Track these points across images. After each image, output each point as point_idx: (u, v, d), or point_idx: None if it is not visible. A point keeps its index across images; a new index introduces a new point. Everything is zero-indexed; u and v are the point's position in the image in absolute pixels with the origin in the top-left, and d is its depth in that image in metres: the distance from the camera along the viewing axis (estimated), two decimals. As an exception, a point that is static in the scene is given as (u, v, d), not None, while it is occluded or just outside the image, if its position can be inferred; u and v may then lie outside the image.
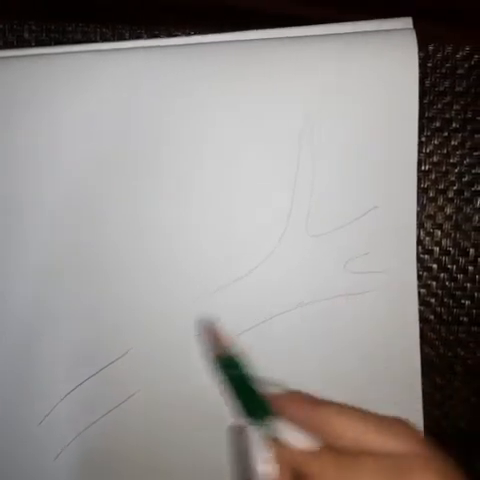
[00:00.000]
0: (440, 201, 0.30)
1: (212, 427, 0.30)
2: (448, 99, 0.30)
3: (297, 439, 0.22)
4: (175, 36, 0.30)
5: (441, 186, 0.30)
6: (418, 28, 0.28)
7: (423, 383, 0.29)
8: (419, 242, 0.30)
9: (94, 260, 0.30)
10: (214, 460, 0.30)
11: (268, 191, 0.29)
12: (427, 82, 0.30)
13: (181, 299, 0.30)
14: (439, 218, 0.30)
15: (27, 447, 0.31)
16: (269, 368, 0.29)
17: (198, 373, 0.29)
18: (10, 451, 0.31)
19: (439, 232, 0.30)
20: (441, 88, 0.30)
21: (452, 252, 0.30)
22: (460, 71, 0.30)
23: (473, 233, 0.30)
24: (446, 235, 0.30)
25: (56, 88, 0.29)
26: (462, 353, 0.31)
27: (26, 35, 0.30)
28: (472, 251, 0.30)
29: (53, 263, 0.30)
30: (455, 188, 0.30)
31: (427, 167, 0.30)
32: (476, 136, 0.30)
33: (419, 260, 0.30)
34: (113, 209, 0.30)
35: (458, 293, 0.31)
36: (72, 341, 0.30)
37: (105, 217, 0.30)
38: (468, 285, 0.31)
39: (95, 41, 0.30)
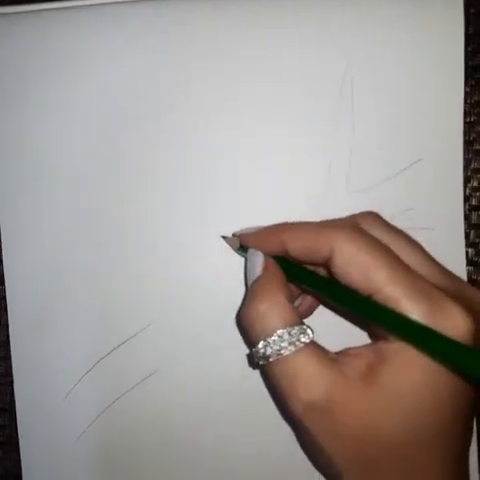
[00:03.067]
0: (487, 154, 0.29)
1: (234, 404, 0.28)
2: (493, 46, 0.28)
3: None
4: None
5: (488, 138, 0.29)
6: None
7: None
8: (465, 198, 0.28)
9: (112, 234, 0.29)
10: (237, 439, 0.29)
11: (306, 146, 0.28)
12: (471, 29, 0.28)
13: (204, 273, 0.29)
14: (486, 172, 0.29)
15: (50, 425, 0.29)
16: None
17: (220, 350, 0.28)
18: (33, 429, 0.30)
19: (486, 187, 0.29)
20: (485, 35, 0.28)
21: (500, 209, 0.29)
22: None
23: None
24: (494, 190, 0.29)
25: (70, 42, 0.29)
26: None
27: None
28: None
29: (68, 238, 0.29)
30: (502, 140, 0.29)
31: (473, 118, 0.28)
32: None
33: (465, 217, 0.28)
34: (134, 182, 0.29)
35: (507, 252, 0.29)
36: (95, 313, 0.29)
37: (124, 190, 0.29)
38: (518, 243, 0.29)
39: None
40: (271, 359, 0.22)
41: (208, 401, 0.29)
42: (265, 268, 0.24)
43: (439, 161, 0.27)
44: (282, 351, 0.21)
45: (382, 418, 0.20)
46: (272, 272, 0.24)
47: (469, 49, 0.28)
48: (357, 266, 0.21)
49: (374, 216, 0.24)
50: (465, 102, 0.28)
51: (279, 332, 0.21)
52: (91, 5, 0.28)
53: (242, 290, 0.28)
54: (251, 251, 0.25)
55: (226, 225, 0.28)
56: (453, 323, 0.20)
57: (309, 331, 0.22)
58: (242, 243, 0.26)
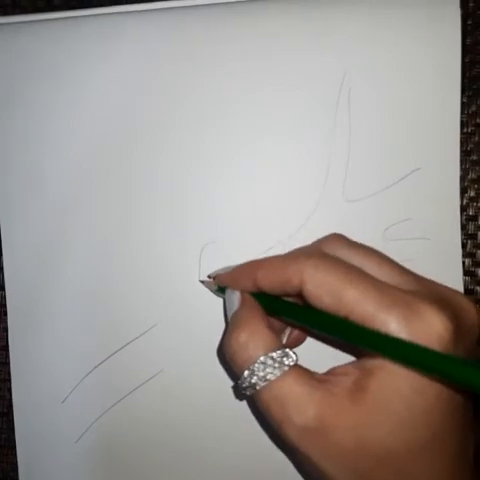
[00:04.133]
0: (484, 165, 0.29)
1: (239, 405, 0.29)
2: (490, 58, 0.29)
3: None
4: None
5: (485, 149, 0.29)
6: (459, -16, 0.27)
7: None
8: (462, 208, 0.28)
9: (117, 236, 0.29)
10: (240, 438, 0.29)
11: (303, 155, 0.28)
12: (468, 40, 0.28)
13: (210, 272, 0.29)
14: (483, 183, 0.28)
15: (48, 429, 0.30)
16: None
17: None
18: (30, 433, 0.30)
19: (483, 198, 0.29)
20: (483, 46, 0.29)
21: (497, 219, 0.29)
22: (503, 29, 0.28)
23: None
24: (491, 201, 0.29)
25: (82, 50, 0.29)
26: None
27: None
28: (519, 218, 0.29)
29: (72, 240, 0.30)
30: (500, 151, 0.29)
31: (470, 129, 0.28)
32: (521, 96, 0.28)
33: (462, 227, 0.28)
34: (137, 182, 0.29)
35: (504, 263, 0.29)
36: (96, 314, 0.29)
37: (129, 191, 0.29)
38: (515, 254, 0.29)
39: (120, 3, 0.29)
40: (258, 387, 0.22)
41: (212, 401, 0.29)
42: (242, 302, 0.24)
43: (436, 171, 0.27)
44: (268, 376, 0.21)
45: (374, 430, 0.20)
46: (249, 305, 0.24)
47: (466, 60, 0.28)
48: (327, 291, 0.21)
49: (337, 237, 0.25)
50: (462, 113, 0.28)
51: (262, 359, 0.22)
52: (93, 15, 0.29)
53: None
54: (228, 290, 0.26)
55: (225, 232, 0.29)
56: (429, 326, 0.20)
57: (292, 353, 0.22)
58: (218, 284, 0.27)
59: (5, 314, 0.30)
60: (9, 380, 0.30)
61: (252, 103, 0.29)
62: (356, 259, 0.23)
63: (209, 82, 0.29)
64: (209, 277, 0.28)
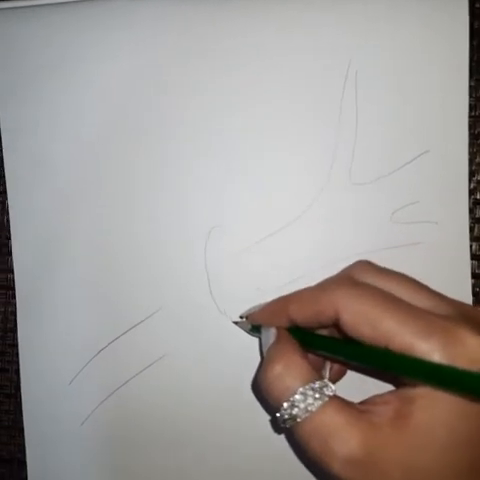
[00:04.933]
0: (492, 148, 0.28)
1: (242, 392, 0.29)
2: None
3: None
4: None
5: (493, 132, 0.29)
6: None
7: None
8: (469, 192, 0.28)
9: (121, 222, 0.30)
10: (242, 425, 0.29)
11: (310, 138, 0.28)
12: (476, 24, 0.28)
13: (216, 257, 0.29)
14: (491, 167, 0.28)
15: (55, 410, 0.30)
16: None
17: (229, 337, 0.29)
18: (38, 414, 0.30)
19: (491, 181, 0.28)
20: (491, 30, 0.28)
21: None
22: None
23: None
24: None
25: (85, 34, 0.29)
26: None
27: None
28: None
29: (77, 227, 0.30)
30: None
31: (478, 112, 0.28)
32: None
33: (469, 211, 0.28)
34: (142, 171, 0.29)
35: (512, 247, 0.29)
36: (102, 298, 0.30)
37: (134, 179, 0.29)
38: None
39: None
40: (299, 419, 0.21)
41: (214, 386, 0.29)
42: (278, 337, 0.24)
43: (444, 154, 0.27)
44: (309, 407, 0.21)
45: (419, 458, 0.20)
46: (284, 338, 0.24)
47: (474, 43, 0.28)
48: (364, 321, 0.21)
49: (365, 264, 0.25)
50: (470, 96, 0.28)
51: (301, 389, 0.21)
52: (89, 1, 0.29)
53: (248, 281, 0.29)
54: (264, 328, 0.26)
55: (230, 215, 0.29)
56: (470, 348, 0.20)
57: (331, 384, 0.22)
58: (252, 323, 0.27)
59: (13, 297, 0.30)
60: (17, 362, 0.30)
61: (258, 88, 0.29)
62: (386, 285, 0.23)
63: (210, 66, 0.29)
64: (241, 317, 0.28)
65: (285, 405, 0.22)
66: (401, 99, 0.28)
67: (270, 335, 0.25)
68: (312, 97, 0.28)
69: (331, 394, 0.22)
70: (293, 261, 0.28)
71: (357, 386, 0.27)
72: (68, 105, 0.30)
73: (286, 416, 0.22)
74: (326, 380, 0.22)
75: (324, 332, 0.25)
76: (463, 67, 0.27)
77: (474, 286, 0.28)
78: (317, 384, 0.22)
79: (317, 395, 0.21)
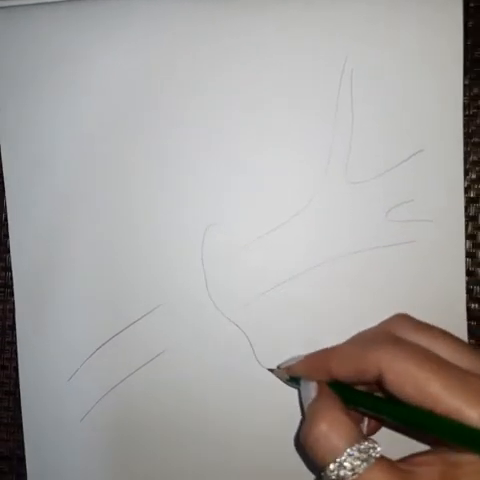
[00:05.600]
0: (486, 147, 0.29)
1: (239, 388, 0.29)
2: (493, 40, 0.29)
3: None
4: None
5: (487, 131, 0.29)
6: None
7: (469, 338, 0.28)
8: (464, 191, 0.28)
9: (120, 218, 0.30)
10: (242, 420, 0.29)
11: (306, 137, 0.28)
12: (470, 23, 0.29)
13: (212, 254, 0.29)
14: (485, 165, 0.29)
15: (54, 407, 0.30)
16: (306, 320, 0.28)
17: (226, 334, 0.29)
18: (37, 411, 0.30)
19: (485, 180, 0.29)
20: (485, 29, 0.29)
21: (499, 201, 0.29)
22: (505, 12, 0.29)
23: (521, 181, 0.29)
24: (492, 183, 0.29)
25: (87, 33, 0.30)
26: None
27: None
28: (520, 200, 0.29)
29: (76, 224, 0.30)
30: (502, 133, 0.29)
31: (472, 111, 0.29)
32: (523, 79, 0.29)
33: (464, 209, 0.28)
34: (141, 168, 0.30)
35: (506, 244, 0.29)
36: (101, 295, 0.30)
37: (135, 171, 0.30)
38: (516, 236, 0.29)
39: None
40: None
41: (214, 382, 0.29)
42: (319, 392, 0.24)
43: (439, 153, 0.28)
44: (356, 469, 0.21)
45: None
46: (326, 394, 0.24)
47: (469, 42, 0.28)
48: (409, 382, 0.21)
49: (404, 318, 0.25)
50: (465, 95, 0.28)
51: (349, 450, 0.21)
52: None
53: (245, 278, 0.29)
54: (304, 380, 0.26)
55: (228, 212, 0.29)
56: None
57: (377, 445, 0.22)
58: (291, 375, 0.27)
59: (12, 295, 0.31)
60: (16, 359, 0.31)
61: (255, 87, 0.29)
62: (427, 342, 0.23)
63: (215, 65, 0.29)
64: (278, 368, 0.28)
65: (332, 467, 0.21)
66: (396, 98, 0.28)
67: (311, 389, 0.24)
68: (308, 96, 0.28)
69: (378, 456, 0.21)
70: (289, 259, 0.29)
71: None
72: (67, 105, 0.30)
73: (332, 477, 0.21)
74: (373, 439, 0.22)
75: (363, 387, 0.25)
76: (457, 66, 0.28)
77: (468, 283, 0.28)
78: (365, 445, 0.21)
79: (364, 456, 0.21)
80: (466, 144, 0.28)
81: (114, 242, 0.30)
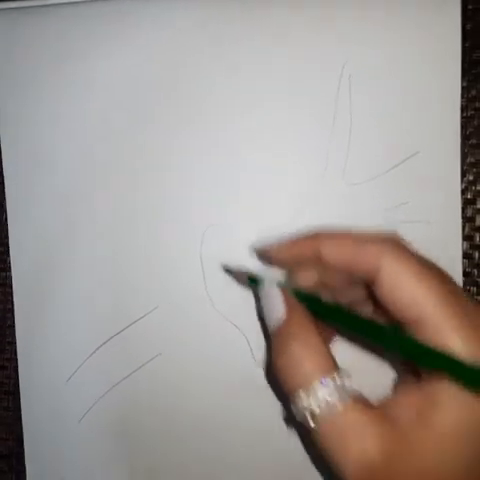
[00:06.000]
0: (483, 149, 0.29)
1: (236, 388, 0.29)
2: (490, 42, 0.29)
3: None
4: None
5: (484, 133, 0.29)
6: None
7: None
8: (461, 192, 0.28)
9: (119, 220, 0.30)
10: (240, 419, 0.29)
11: (304, 139, 0.28)
12: (468, 25, 0.29)
13: (211, 255, 0.29)
14: (482, 166, 0.29)
15: (53, 407, 0.30)
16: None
17: (225, 334, 0.29)
18: (36, 411, 0.31)
19: (482, 181, 0.29)
20: (483, 31, 0.29)
21: (496, 203, 0.29)
22: (503, 13, 0.29)
23: (518, 183, 0.29)
24: (489, 185, 0.29)
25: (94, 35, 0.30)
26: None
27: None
28: (517, 202, 0.29)
29: (76, 223, 0.30)
30: (499, 135, 0.29)
31: (469, 113, 0.29)
32: (521, 81, 0.29)
33: (461, 211, 0.28)
34: (144, 167, 0.30)
35: (502, 246, 0.29)
36: (100, 296, 0.30)
37: (135, 172, 0.30)
38: (513, 237, 0.29)
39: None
40: (316, 413, 0.19)
41: (210, 384, 0.29)
42: (289, 309, 0.22)
43: (436, 155, 0.28)
44: (329, 401, 0.19)
45: (443, 465, 0.19)
46: (299, 314, 0.22)
47: (467, 45, 0.28)
48: (404, 287, 0.20)
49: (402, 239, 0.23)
50: (462, 97, 0.28)
51: (322, 380, 0.19)
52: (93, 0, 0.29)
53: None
54: (266, 289, 0.23)
55: (226, 214, 0.29)
56: None
57: (349, 373, 0.20)
58: (264, 256, 0.25)
59: (11, 295, 0.31)
60: (16, 359, 0.31)
61: (255, 92, 0.29)
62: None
63: (207, 73, 0.29)
64: (253, 249, 0.26)
65: (302, 395, 0.20)
66: (394, 100, 0.28)
67: (277, 302, 0.22)
68: (307, 99, 0.28)
69: (352, 387, 0.20)
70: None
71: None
72: (67, 105, 0.30)
73: (301, 408, 0.20)
74: (347, 373, 0.20)
75: (327, 296, 0.23)
76: (455, 68, 0.28)
77: (465, 284, 0.29)
78: (339, 375, 0.20)
79: (338, 388, 0.19)
80: (463, 146, 0.29)
81: (114, 242, 0.30)
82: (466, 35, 0.28)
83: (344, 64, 0.28)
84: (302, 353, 0.20)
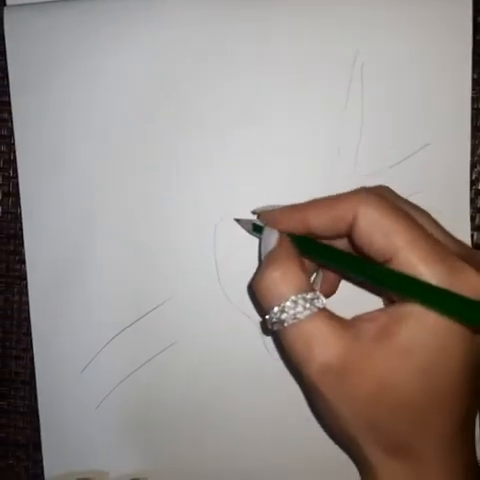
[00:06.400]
0: (493, 140, 0.29)
1: (248, 378, 0.30)
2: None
3: None
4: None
5: (495, 125, 0.29)
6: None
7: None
8: (471, 183, 0.29)
9: (133, 214, 0.30)
10: (251, 409, 0.30)
11: (316, 130, 0.29)
12: (479, 18, 0.29)
13: (224, 247, 0.30)
14: (492, 158, 0.29)
15: (69, 395, 0.31)
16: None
17: (237, 324, 0.30)
18: (52, 400, 0.31)
19: (492, 173, 0.29)
20: (494, 24, 0.29)
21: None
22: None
23: None
24: (499, 176, 0.29)
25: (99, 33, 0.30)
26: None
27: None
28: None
29: (90, 218, 0.31)
30: (509, 127, 0.29)
31: (480, 105, 0.29)
32: None
33: (471, 201, 0.29)
34: (160, 159, 0.30)
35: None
36: (115, 286, 0.30)
37: (148, 169, 0.30)
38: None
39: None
40: (286, 323, 0.22)
41: (225, 370, 0.30)
42: (279, 242, 0.25)
43: (447, 146, 0.28)
44: (297, 315, 0.22)
45: (395, 377, 0.21)
46: (285, 245, 0.25)
47: (478, 37, 0.29)
48: (379, 229, 0.22)
49: (389, 189, 0.25)
50: (473, 89, 0.28)
51: (293, 298, 0.22)
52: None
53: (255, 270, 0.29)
54: (267, 230, 0.26)
55: (238, 206, 0.29)
56: (470, 285, 0.20)
57: (322, 297, 0.23)
58: (262, 221, 0.27)
59: (27, 287, 0.31)
60: (31, 349, 0.31)
61: (265, 80, 0.29)
62: (406, 208, 0.23)
63: (221, 62, 0.29)
64: (253, 213, 0.28)
65: (276, 309, 0.22)
66: (406, 91, 0.28)
67: (272, 238, 0.25)
68: (319, 90, 0.29)
69: (321, 306, 0.22)
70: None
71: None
72: (81, 106, 0.30)
73: (274, 319, 0.23)
74: (318, 293, 0.23)
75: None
76: (466, 60, 0.28)
77: (475, 274, 0.29)
78: (309, 295, 0.22)
79: (307, 305, 0.22)
80: (474, 137, 0.29)
81: (128, 236, 0.30)
82: (477, 28, 0.29)
83: (356, 55, 0.28)
84: (280, 276, 0.23)
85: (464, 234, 0.28)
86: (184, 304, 0.30)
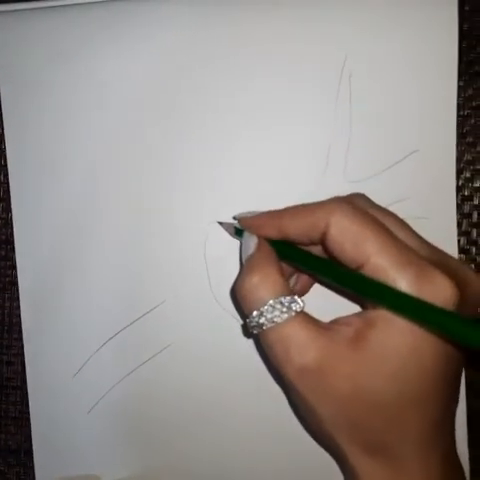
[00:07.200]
0: (479, 146, 0.30)
1: (244, 380, 0.30)
2: (487, 43, 0.29)
3: None
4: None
5: (480, 131, 0.30)
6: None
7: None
8: (458, 189, 0.29)
9: (128, 215, 0.30)
10: (247, 411, 0.30)
11: (305, 136, 0.29)
12: (465, 26, 0.29)
13: (215, 251, 0.30)
14: (478, 164, 0.30)
15: (61, 400, 0.31)
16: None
17: (228, 329, 0.30)
18: (44, 405, 0.31)
19: (478, 178, 0.30)
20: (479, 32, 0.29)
21: (492, 199, 0.30)
22: (499, 14, 0.29)
23: (513, 179, 0.30)
24: (485, 182, 0.30)
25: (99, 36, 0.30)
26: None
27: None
28: (512, 198, 0.30)
29: (84, 218, 0.31)
30: (495, 133, 0.30)
31: (466, 112, 0.29)
32: (516, 80, 0.29)
33: (458, 207, 0.29)
34: (150, 162, 0.30)
35: (498, 241, 0.30)
36: (107, 291, 0.31)
37: (140, 171, 0.30)
38: (508, 232, 0.30)
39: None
40: (265, 327, 0.23)
41: (218, 373, 0.30)
42: (258, 247, 0.25)
43: (433, 153, 0.29)
44: (275, 319, 0.23)
45: (368, 380, 0.22)
46: (264, 250, 0.25)
47: (464, 45, 0.29)
48: (349, 238, 0.22)
49: (364, 197, 0.26)
50: (459, 96, 0.29)
51: (271, 302, 0.23)
52: (98, 2, 0.30)
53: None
54: (246, 235, 0.27)
55: (230, 210, 0.29)
56: (438, 290, 0.21)
57: (300, 301, 0.23)
58: (241, 226, 0.28)
59: (17, 291, 0.31)
60: (23, 355, 0.31)
61: (255, 87, 0.29)
62: (377, 214, 0.24)
63: (211, 70, 0.30)
64: (234, 218, 0.29)
65: (254, 314, 0.23)
66: (393, 98, 0.29)
67: (251, 243, 0.26)
68: (307, 96, 0.29)
69: (298, 310, 0.23)
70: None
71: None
72: (74, 108, 0.31)
73: (253, 323, 0.23)
74: (296, 297, 0.23)
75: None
76: (452, 68, 0.28)
77: (462, 278, 0.29)
78: (287, 299, 0.23)
79: (285, 309, 0.23)
80: (460, 144, 0.29)
81: (120, 239, 0.31)
82: (463, 35, 0.29)
83: (344, 62, 0.29)
84: (259, 281, 0.24)
85: (451, 239, 0.29)
86: (177, 307, 0.30)
